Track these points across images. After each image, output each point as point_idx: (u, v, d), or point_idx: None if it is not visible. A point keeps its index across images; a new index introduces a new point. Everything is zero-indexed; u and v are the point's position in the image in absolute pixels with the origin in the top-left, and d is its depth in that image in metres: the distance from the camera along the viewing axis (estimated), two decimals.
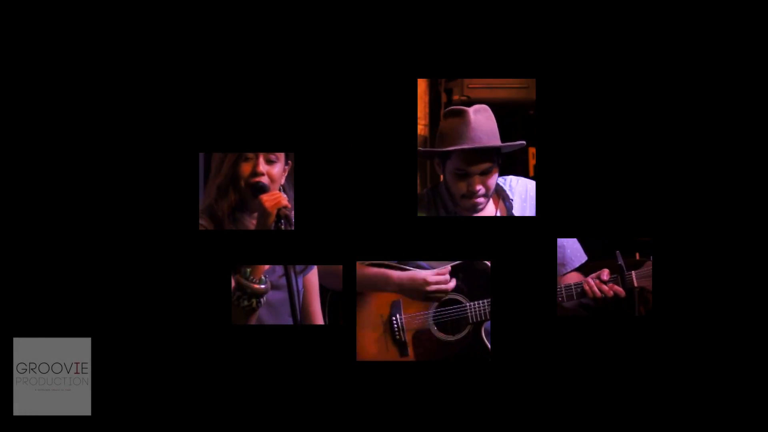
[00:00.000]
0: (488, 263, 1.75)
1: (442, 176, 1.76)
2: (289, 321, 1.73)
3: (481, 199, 1.74)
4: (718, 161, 1.73)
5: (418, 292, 1.76)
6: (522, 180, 1.75)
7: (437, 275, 1.75)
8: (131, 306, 1.74)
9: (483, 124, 1.71)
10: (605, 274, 1.73)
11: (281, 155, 1.74)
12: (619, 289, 1.73)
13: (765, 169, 1.72)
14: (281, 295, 1.74)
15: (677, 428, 1.72)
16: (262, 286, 1.73)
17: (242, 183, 1.72)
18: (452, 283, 1.75)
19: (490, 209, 1.77)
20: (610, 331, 1.74)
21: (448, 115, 1.74)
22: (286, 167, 1.75)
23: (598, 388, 1.74)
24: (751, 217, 1.72)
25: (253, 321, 1.74)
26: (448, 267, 1.75)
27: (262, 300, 1.73)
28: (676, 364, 1.73)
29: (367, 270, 1.76)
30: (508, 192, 1.76)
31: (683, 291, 1.73)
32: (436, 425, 1.75)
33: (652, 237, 1.74)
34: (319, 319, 1.75)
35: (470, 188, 1.73)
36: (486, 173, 1.73)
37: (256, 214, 1.73)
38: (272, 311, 1.74)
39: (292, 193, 1.75)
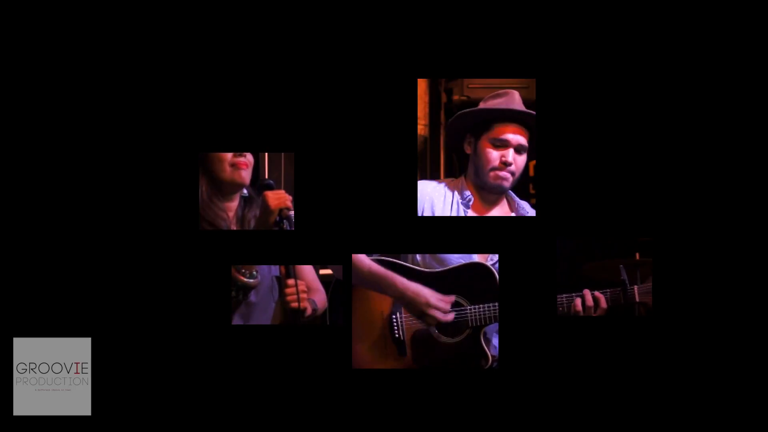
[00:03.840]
0: (490, 266, 1.75)
1: (470, 150, 1.75)
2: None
3: (508, 176, 1.72)
4: (719, 161, 1.73)
5: (416, 308, 1.75)
6: (529, 205, 1.77)
7: (440, 301, 1.74)
8: (131, 306, 1.74)
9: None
10: (587, 291, 1.73)
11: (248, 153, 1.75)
12: (605, 306, 1.72)
13: (765, 169, 1.72)
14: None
15: (677, 428, 1.72)
16: (252, 281, 1.73)
17: (225, 164, 1.72)
18: (450, 316, 1.74)
19: (504, 211, 1.78)
20: (609, 332, 1.74)
21: (491, 98, 1.74)
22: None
23: (597, 389, 1.74)
24: (751, 218, 1.72)
25: (236, 313, 1.74)
26: (453, 298, 1.75)
27: (250, 294, 1.74)
28: (676, 364, 1.73)
29: (375, 268, 1.76)
30: (523, 205, 1.76)
31: (683, 291, 1.74)
32: (434, 426, 1.75)
33: (652, 237, 1.74)
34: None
35: (504, 159, 1.72)
36: (520, 151, 1.73)
37: (235, 197, 1.75)
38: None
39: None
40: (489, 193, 1.76)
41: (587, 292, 1.73)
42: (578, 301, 1.72)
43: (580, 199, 1.75)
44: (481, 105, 1.74)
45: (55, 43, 1.74)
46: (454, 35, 1.75)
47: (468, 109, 1.74)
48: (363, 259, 1.76)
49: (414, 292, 1.74)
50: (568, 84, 1.75)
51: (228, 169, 1.72)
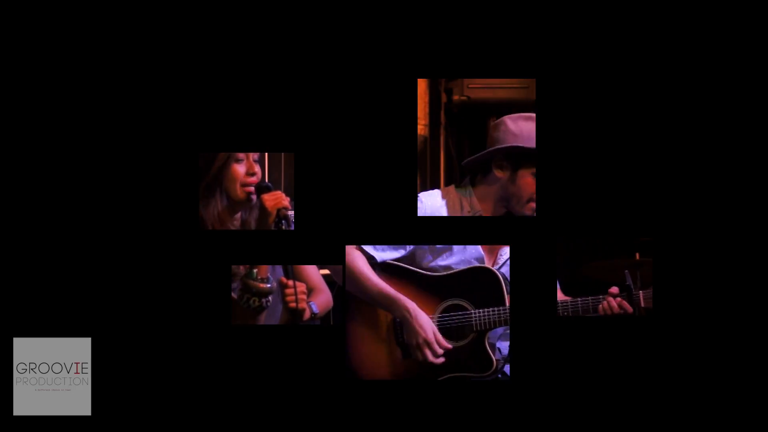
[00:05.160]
0: (495, 271, 1.75)
1: (502, 175, 1.72)
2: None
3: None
4: (719, 161, 1.73)
5: (414, 338, 1.73)
6: None
7: (436, 343, 1.73)
8: (131, 306, 1.74)
9: None
10: (615, 290, 1.73)
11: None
12: (628, 307, 1.72)
13: (765, 169, 1.72)
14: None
15: (677, 428, 1.72)
16: (269, 285, 1.72)
17: (237, 185, 1.72)
18: (439, 360, 1.73)
19: None
20: (609, 332, 1.74)
21: (523, 120, 1.71)
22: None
23: (597, 389, 1.74)
24: (751, 218, 1.72)
25: (262, 320, 1.74)
26: (449, 346, 1.73)
27: (270, 299, 1.73)
28: (676, 364, 1.73)
29: (386, 290, 1.74)
30: None
31: (683, 291, 1.73)
32: (436, 428, 1.75)
33: (652, 237, 1.74)
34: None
35: (533, 188, 1.72)
36: None
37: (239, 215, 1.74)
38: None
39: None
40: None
41: (615, 290, 1.73)
42: (610, 302, 1.72)
43: (581, 199, 1.75)
44: (510, 124, 1.71)
45: (55, 43, 1.74)
46: (454, 35, 1.75)
47: (531, 147, 1.70)
48: (371, 277, 1.74)
49: (420, 325, 1.73)
50: (568, 84, 1.74)
51: (240, 188, 1.72)
